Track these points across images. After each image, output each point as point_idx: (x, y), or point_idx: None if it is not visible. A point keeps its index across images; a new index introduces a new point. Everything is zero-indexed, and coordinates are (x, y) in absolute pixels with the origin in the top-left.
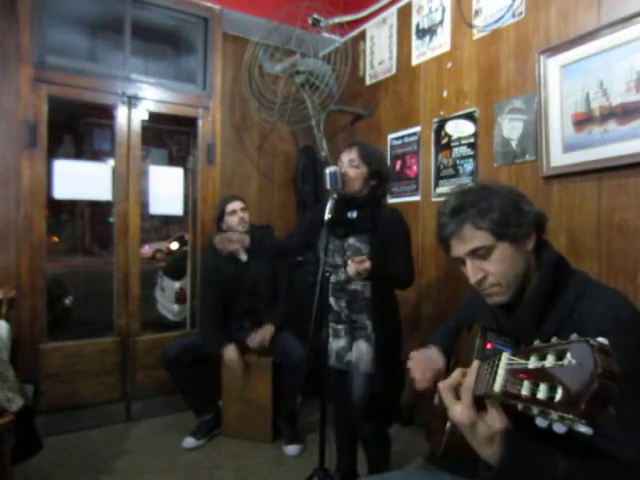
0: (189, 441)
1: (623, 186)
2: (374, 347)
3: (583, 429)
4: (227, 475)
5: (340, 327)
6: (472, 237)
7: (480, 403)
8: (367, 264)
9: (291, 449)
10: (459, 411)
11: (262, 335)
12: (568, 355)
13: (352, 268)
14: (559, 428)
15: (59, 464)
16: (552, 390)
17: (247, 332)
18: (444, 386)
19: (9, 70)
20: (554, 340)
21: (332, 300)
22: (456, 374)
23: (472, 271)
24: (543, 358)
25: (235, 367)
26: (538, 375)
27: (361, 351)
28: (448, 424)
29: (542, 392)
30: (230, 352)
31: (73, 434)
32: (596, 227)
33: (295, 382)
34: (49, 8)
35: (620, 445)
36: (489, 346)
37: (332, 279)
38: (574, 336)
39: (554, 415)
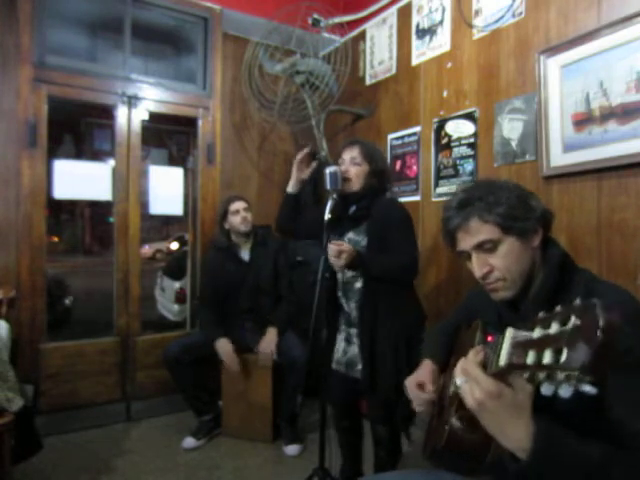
0: (189, 441)
1: (623, 186)
2: (360, 347)
3: (588, 388)
4: (227, 475)
5: (352, 331)
6: (479, 230)
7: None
8: (345, 247)
9: (291, 449)
10: (477, 387)
11: (270, 347)
12: (572, 318)
13: (331, 250)
14: (565, 392)
15: (59, 464)
16: (558, 353)
17: (248, 332)
18: (458, 371)
19: (9, 70)
20: (558, 309)
21: (343, 301)
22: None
23: (478, 265)
24: (548, 327)
25: (230, 362)
26: (543, 343)
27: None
28: (449, 420)
29: (548, 357)
30: (223, 346)
31: (73, 434)
32: (596, 227)
33: (295, 382)
34: (49, 8)
35: (636, 434)
36: (490, 339)
37: (339, 277)
38: (577, 301)
39: (560, 376)
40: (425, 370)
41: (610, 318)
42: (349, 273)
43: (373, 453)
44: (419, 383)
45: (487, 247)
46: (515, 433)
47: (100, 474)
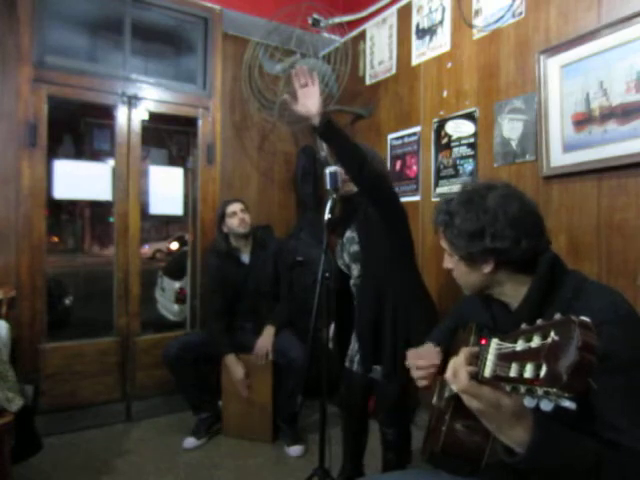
0: (190, 441)
1: (623, 186)
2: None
3: (567, 404)
4: (227, 475)
5: None
6: (441, 238)
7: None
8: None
9: (294, 450)
10: (474, 398)
11: (266, 346)
12: (552, 333)
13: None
14: (546, 406)
15: (59, 464)
16: (537, 368)
17: (248, 333)
18: (449, 375)
19: (9, 70)
20: (540, 322)
21: (355, 302)
22: (450, 365)
23: (445, 260)
24: (530, 340)
25: (240, 386)
26: (525, 356)
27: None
28: (445, 422)
29: (528, 371)
30: (233, 365)
31: (73, 434)
32: (596, 227)
33: (295, 382)
34: (49, 8)
35: (627, 435)
36: (483, 342)
37: (352, 282)
38: (557, 315)
39: (540, 391)
40: (429, 347)
41: (587, 339)
42: (355, 274)
43: (381, 457)
44: (424, 357)
45: (448, 252)
46: (514, 434)
47: (100, 474)
